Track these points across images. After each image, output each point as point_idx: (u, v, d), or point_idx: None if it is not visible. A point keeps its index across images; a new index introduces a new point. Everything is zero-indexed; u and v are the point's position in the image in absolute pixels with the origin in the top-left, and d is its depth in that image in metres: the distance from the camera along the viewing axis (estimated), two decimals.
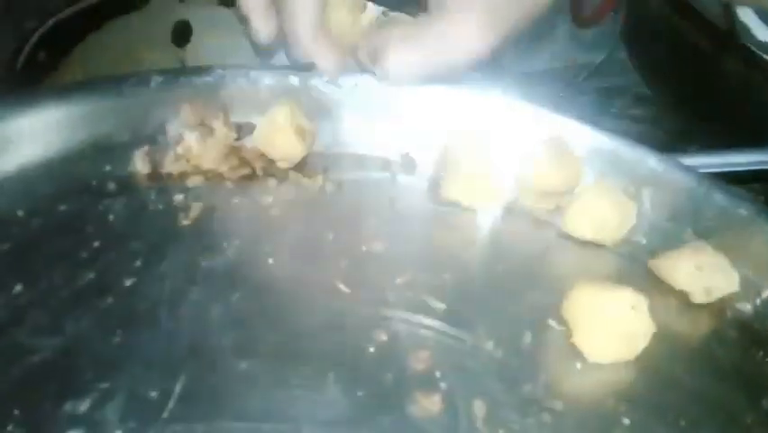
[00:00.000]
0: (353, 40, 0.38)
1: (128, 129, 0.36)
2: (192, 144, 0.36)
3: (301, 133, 0.37)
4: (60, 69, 0.47)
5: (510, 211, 0.38)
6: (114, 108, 0.36)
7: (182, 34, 0.56)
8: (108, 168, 0.35)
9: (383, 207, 0.37)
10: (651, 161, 0.38)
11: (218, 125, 0.36)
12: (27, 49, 0.45)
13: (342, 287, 0.32)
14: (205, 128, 0.36)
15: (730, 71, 0.54)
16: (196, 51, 0.57)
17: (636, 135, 0.60)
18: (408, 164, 0.39)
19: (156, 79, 0.36)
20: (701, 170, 0.39)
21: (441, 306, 0.33)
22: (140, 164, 0.36)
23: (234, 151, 0.37)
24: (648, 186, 0.38)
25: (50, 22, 0.47)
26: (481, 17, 0.33)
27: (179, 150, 0.36)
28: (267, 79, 0.38)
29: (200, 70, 0.37)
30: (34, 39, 0.46)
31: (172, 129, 0.36)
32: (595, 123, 0.39)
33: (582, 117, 0.39)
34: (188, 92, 0.36)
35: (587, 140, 0.38)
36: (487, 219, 0.37)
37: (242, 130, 0.37)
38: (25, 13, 0.57)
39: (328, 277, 0.33)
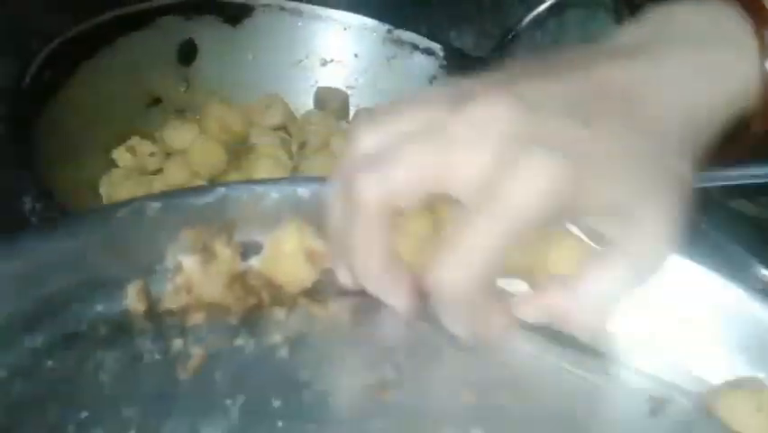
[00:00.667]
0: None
1: (122, 262, 0.32)
2: (192, 273, 0.32)
3: (311, 255, 0.33)
4: (66, 88, 0.47)
5: None
6: (106, 241, 0.32)
7: (188, 53, 0.56)
8: (100, 308, 0.31)
9: (403, 341, 0.33)
10: None
11: (221, 249, 0.33)
12: (33, 68, 0.45)
13: None
14: (206, 253, 0.33)
15: None
16: (202, 70, 0.56)
17: None
18: None
19: (152, 207, 0.33)
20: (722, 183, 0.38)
21: None
22: (134, 301, 0.32)
23: (239, 278, 0.33)
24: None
25: (56, 41, 0.47)
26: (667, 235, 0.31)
27: (178, 280, 0.32)
28: (273, 193, 0.34)
29: (199, 191, 0.34)
30: (40, 58, 0.46)
31: (170, 257, 0.32)
32: None
33: None
34: (188, 216, 0.33)
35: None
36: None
37: (248, 251, 0.34)
38: (30, 32, 0.56)
39: None
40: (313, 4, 0.58)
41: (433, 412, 0.30)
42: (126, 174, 0.48)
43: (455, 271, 0.29)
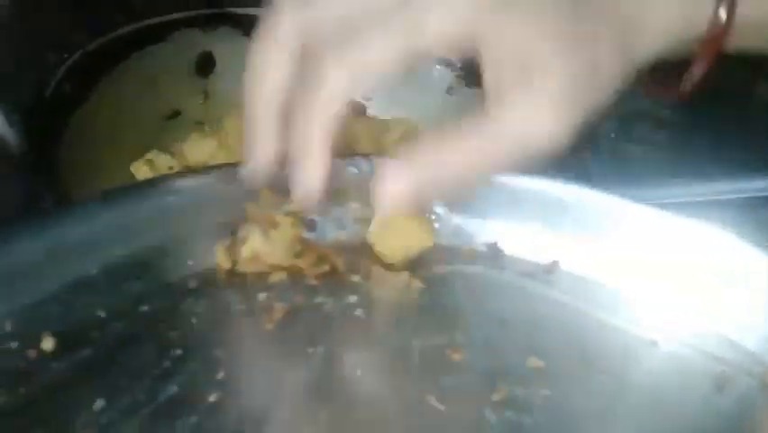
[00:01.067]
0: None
1: (212, 223, 0.35)
2: (257, 242, 0.35)
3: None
4: (86, 102, 0.47)
5: None
6: (200, 202, 0.35)
7: (205, 65, 0.56)
8: (190, 263, 0.34)
9: (475, 308, 0.35)
10: None
11: (282, 219, 0.35)
12: (53, 82, 0.45)
13: (435, 404, 0.31)
14: (269, 224, 0.35)
15: (759, 96, 0.53)
16: (219, 81, 0.57)
17: (658, 162, 0.60)
18: (496, 255, 0.37)
19: (236, 173, 0.35)
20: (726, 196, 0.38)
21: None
22: (221, 259, 0.34)
23: (310, 246, 0.35)
24: None
25: (76, 54, 0.47)
26: (555, 101, 0.30)
27: (245, 250, 0.35)
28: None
29: None
30: (61, 71, 0.46)
31: (240, 228, 0.35)
32: None
33: None
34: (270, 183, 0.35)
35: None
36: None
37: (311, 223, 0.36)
38: (49, 45, 0.57)
39: (420, 392, 0.31)
40: None
41: (501, 373, 0.32)
42: None
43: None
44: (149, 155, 0.51)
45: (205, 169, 0.37)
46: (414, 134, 0.55)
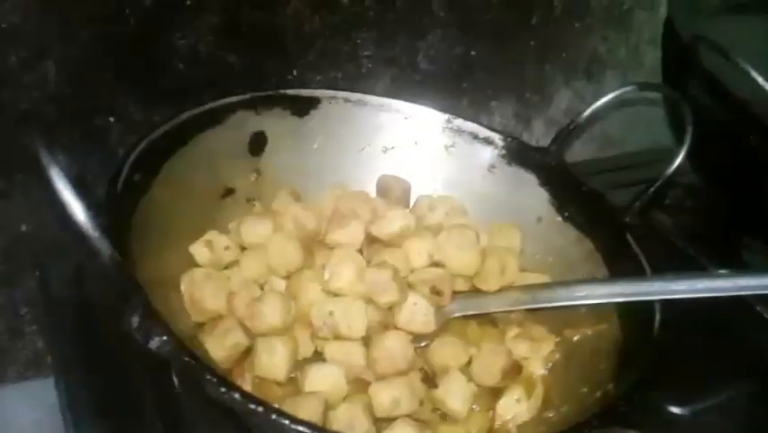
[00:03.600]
0: None
1: None
2: None
3: None
4: (152, 188, 0.49)
5: None
6: None
7: (257, 144, 0.58)
8: None
9: None
10: None
11: None
12: (125, 172, 0.47)
13: None
14: None
15: None
16: (271, 159, 0.59)
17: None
18: None
19: None
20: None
21: None
22: None
23: None
24: None
25: (143, 143, 0.49)
26: None
27: None
28: None
29: None
30: (130, 162, 0.48)
31: None
32: None
33: None
34: None
35: None
36: None
37: None
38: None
39: None
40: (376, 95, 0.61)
41: None
42: (207, 274, 0.50)
43: None
44: (207, 236, 0.53)
45: None
46: (458, 212, 0.57)
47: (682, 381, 0.56)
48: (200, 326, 0.49)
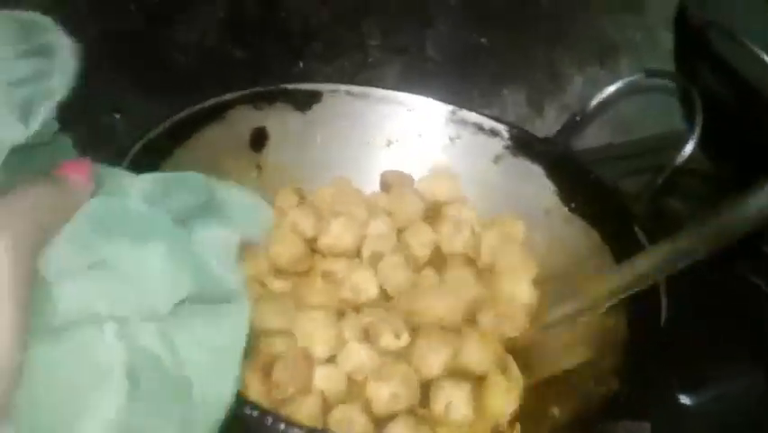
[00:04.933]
0: None
1: None
2: None
3: None
4: None
5: None
6: None
7: (259, 139, 0.58)
8: None
9: None
10: None
11: None
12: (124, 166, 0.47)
13: None
14: None
15: None
16: (272, 155, 0.58)
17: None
18: None
19: None
20: None
21: None
22: None
23: None
24: None
25: (143, 141, 0.49)
26: None
27: None
28: None
29: None
30: (130, 159, 0.47)
31: None
32: None
33: None
34: None
35: None
36: None
37: None
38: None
39: None
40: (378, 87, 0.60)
41: None
42: None
43: None
44: None
45: None
46: (514, 237, 0.56)
47: (692, 370, 0.55)
48: None
